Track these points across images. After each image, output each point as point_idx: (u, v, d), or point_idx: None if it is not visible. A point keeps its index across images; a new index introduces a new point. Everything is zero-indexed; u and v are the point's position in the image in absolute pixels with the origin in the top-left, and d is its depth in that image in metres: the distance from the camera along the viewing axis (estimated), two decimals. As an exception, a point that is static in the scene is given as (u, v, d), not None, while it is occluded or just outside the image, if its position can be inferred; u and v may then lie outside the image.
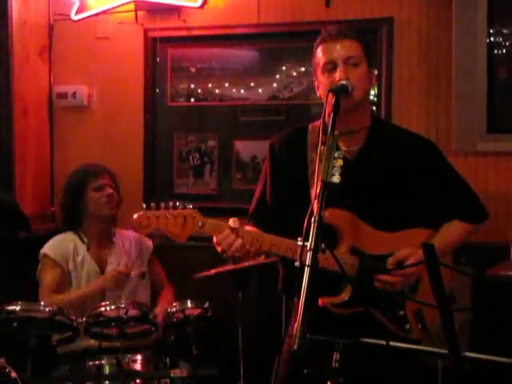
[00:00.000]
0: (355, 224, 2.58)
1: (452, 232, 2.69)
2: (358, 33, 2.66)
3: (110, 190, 3.83)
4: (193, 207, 2.51)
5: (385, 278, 2.54)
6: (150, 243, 3.99)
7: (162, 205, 2.49)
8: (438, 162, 2.72)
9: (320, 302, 2.52)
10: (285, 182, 2.74)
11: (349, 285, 2.55)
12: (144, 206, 2.50)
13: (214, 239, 2.51)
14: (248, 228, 2.64)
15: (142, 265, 3.91)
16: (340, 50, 2.56)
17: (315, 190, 2.14)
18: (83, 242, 3.82)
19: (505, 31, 4.01)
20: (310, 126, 2.76)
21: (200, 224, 2.50)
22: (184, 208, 2.51)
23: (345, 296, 2.55)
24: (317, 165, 2.20)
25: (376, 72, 2.72)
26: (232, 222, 2.51)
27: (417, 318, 2.59)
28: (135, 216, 2.48)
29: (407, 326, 2.59)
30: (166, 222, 2.48)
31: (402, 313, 2.60)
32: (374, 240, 2.60)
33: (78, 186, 3.84)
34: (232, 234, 2.49)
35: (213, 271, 3.75)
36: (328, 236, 2.46)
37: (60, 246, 3.80)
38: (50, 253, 3.75)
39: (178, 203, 2.51)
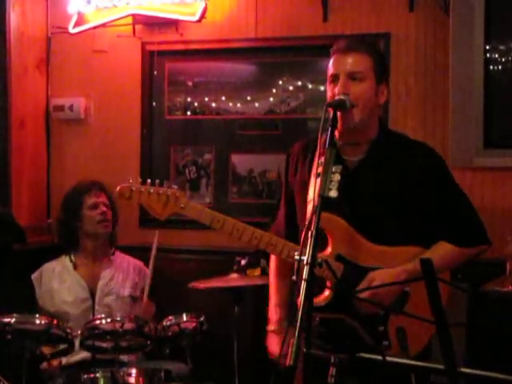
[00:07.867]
0: (349, 234, 2.56)
1: (442, 253, 2.61)
2: (371, 47, 2.63)
3: (104, 209, 3.88)
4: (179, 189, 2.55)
5: (364, 288, 2.51)
6: (147, 272, 3.88)
7: (156, 181, 2.54)
8: (441, 176, 2.68)
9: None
10: (295, 182, 2.76)
11: (329, 289, 2.52)
12: (139, 180, 2.56)
13: None
14: (232, 219, 2.59)
15: (137, 289, 3.92)
16: (345, 63, 2.53)
17: (313, 203, 2.14)
18: (71, 261, 3.90)
19: (501, 47, 4.02)
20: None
21: (182, 206, 2.53)
22: (170, 187, 2.54)
23: (324, 299, 2.52)
24: (313, 180, 2.20)
25: (386, 88, 2.66)
26: None
27: (398, 336, 2.51)
28: (119, 187, 2.54)
29: (385, 343, 2.54)
30: (148, 198, 2.53)
31: (381, 328, 2.56)
32: (365, 252, 2.57)
33: (73, 203, 3.90)
34: None
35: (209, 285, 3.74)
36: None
37: (46, 272, 3.93)
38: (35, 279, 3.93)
39: (165, 182, 2.55)
